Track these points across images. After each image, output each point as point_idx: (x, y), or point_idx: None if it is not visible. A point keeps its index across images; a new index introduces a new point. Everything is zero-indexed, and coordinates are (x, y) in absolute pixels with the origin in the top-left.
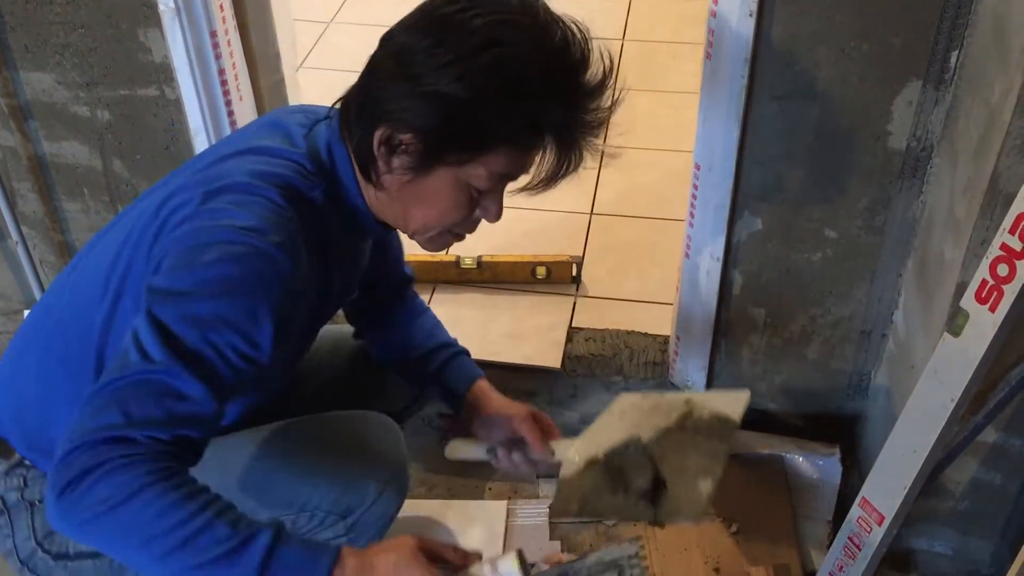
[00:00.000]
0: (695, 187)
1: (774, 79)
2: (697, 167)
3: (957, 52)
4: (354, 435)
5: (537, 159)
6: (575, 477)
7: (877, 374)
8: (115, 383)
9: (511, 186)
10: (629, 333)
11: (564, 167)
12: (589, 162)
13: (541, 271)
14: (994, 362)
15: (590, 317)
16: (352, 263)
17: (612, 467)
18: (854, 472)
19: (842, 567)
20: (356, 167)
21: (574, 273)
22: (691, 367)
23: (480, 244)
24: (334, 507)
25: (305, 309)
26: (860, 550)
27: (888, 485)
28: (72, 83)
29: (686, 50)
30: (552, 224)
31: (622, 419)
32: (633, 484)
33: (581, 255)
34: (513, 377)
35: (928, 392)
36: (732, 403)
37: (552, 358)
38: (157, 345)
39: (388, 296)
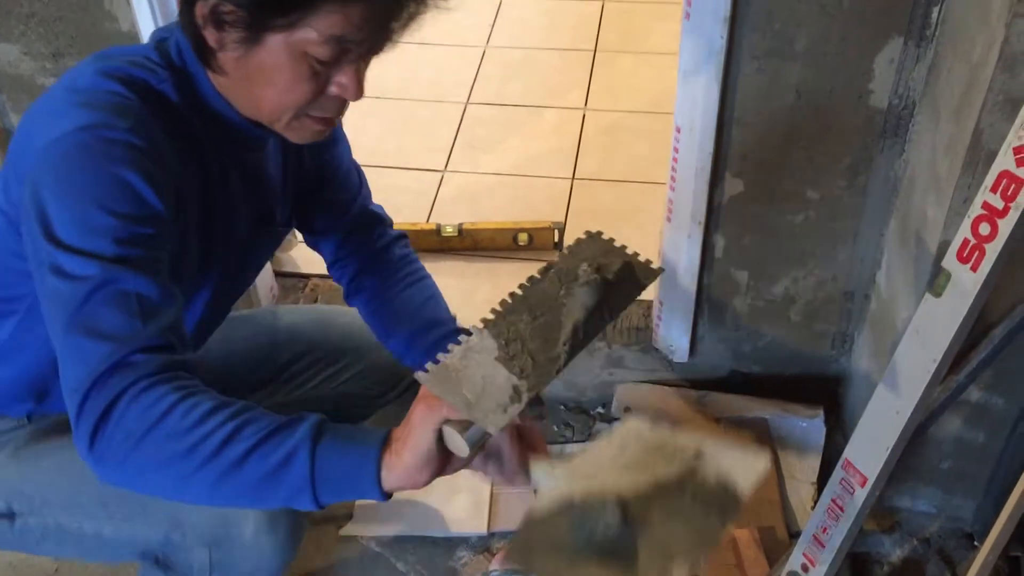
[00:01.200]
0: (676, 150)
1: (753, 38)
2: (678, 130)
3: (938, 7)
4: None
5: (369, 13)
6: (539, 522)
7: (860, 335)
8: (71, 320)
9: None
10: None
11: (399, 10)
12: (571, 125)
13: (523, 237)
14: (976, 321)
15: None
16: (254, 178)
17: (582, 524)
18: (838, 433)
19: (826, 529)
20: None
21: (556, 239)
22: (674, 331)
23: (461, 211)
24: (205, 532)
25: (195, 204)
26: (843, 511)
27: (871, 447)
28: (38, 54)
29: (668, 10)
30: (533, 190)
31: (619, 454)
32: (601, 550)
33: (563, 221)
34: None
35: (910, 353)
36: (746, 469)
37: None
38: (77, 263)
39: (357, 242)
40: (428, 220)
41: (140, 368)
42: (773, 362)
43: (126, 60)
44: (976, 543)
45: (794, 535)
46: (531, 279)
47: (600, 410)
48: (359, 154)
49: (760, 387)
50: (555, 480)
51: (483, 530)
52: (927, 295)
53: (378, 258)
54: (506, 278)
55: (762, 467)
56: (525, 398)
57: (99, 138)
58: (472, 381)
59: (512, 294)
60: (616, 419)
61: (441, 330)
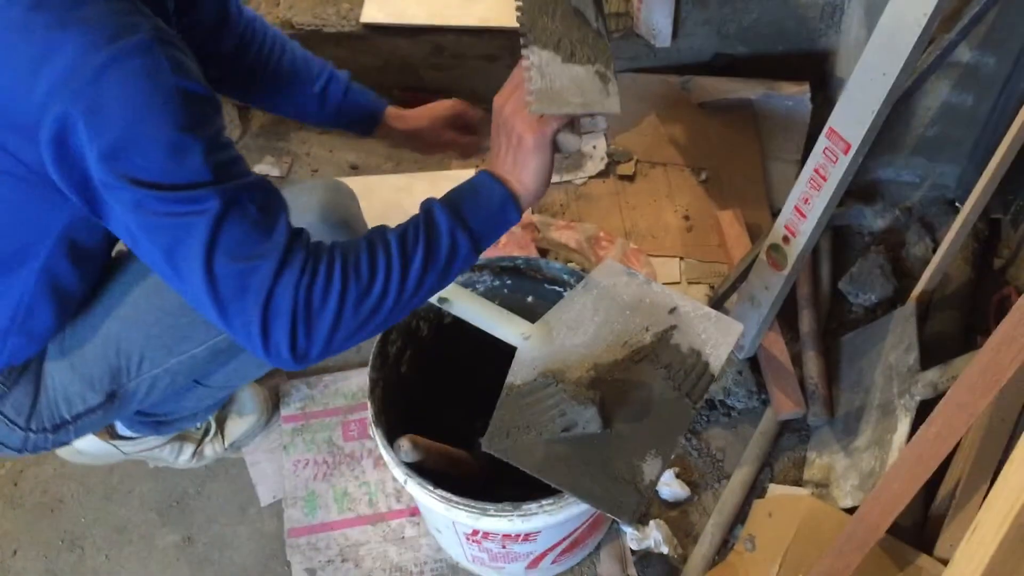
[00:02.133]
0: None
1: None
2: None
3: None
4: None
5: None
6: (519, 398)
7: (850, 5)
8: (208, 256)
9: None
10: None
11: None
12: None
13: None
14: None
15: None
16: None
17: (561, 415)
18: (824, 110)
19: (808, 199)
20: None
21: None
22: (656, 14)
23: None
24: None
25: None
26: (826, 181)
27: (855, 112)
28: None
29: None
30: None
31: (595, 313)
32: (577, 443)
33: None
34: (471, 43)
35: (900, 9)
36: (720, 334)
37: (509, 17)
38: (184, 199)
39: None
40: None
41: (294, 265)
42: (759, 41)
43: None
44: (958, 206)
45: (776, 214)
46: None
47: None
48: None
49: (745, 69)
50: (532, 346)
51: None
52: None
53: (255, 66)
54: None
55: (737, 331)
56: (611, 75)
57: (129, 57)
58: (568, 88)
59: (517, 8)
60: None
61: (324, 77)
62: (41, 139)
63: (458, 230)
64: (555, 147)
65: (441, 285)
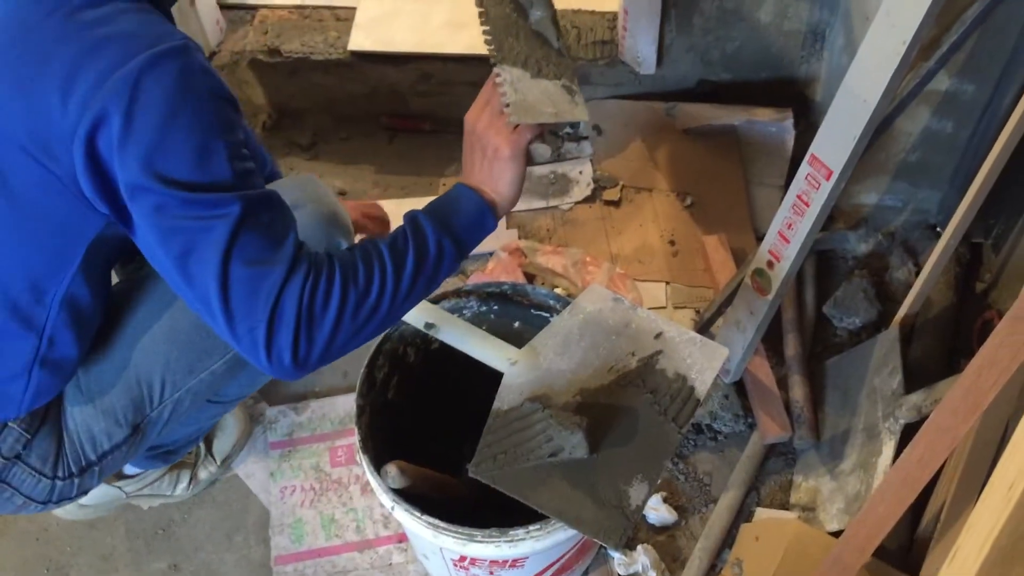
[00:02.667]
0: None
1: None
2: None
3: None
4: None
5: None
6: (506, 422)
7: (832, 33)
8: (223, 257)
9: None
10: (576, 12)
11: None
12: None
13: None
14: (948, 4)
15: None
16: None
17: (548, 441)
18: (807, 136)
19: (791, 225)
20: None
21: None
22: (640, 42)
23: None
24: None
25: None
26: (808, 206)
27: (837, 139)
28: None
29: None
30: None
31: (581, 338)
32: (564, 468)
33: None
34: (457, 70)
35: (879, 37)
36: (705, 359)
37: None
38: (208, 201)
39: None
40: None
41: (299, 273)
42: (742, 68)
43: None
44: (939, 231)
45: (761, 239)
46: (481, 15)
47: (568, 130)
48: None
49: (729, 95)
50: (519, 371)
51: None
52: None
53: None
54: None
55: (723, 355)
56: (576, 88)
57: (166, 59)
58: (540, 100)
59: (484, 32)
60: (585, 138)
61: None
62: (75, 143)
63: (444, 238)
64: (528, 157)
65: (430, 290)
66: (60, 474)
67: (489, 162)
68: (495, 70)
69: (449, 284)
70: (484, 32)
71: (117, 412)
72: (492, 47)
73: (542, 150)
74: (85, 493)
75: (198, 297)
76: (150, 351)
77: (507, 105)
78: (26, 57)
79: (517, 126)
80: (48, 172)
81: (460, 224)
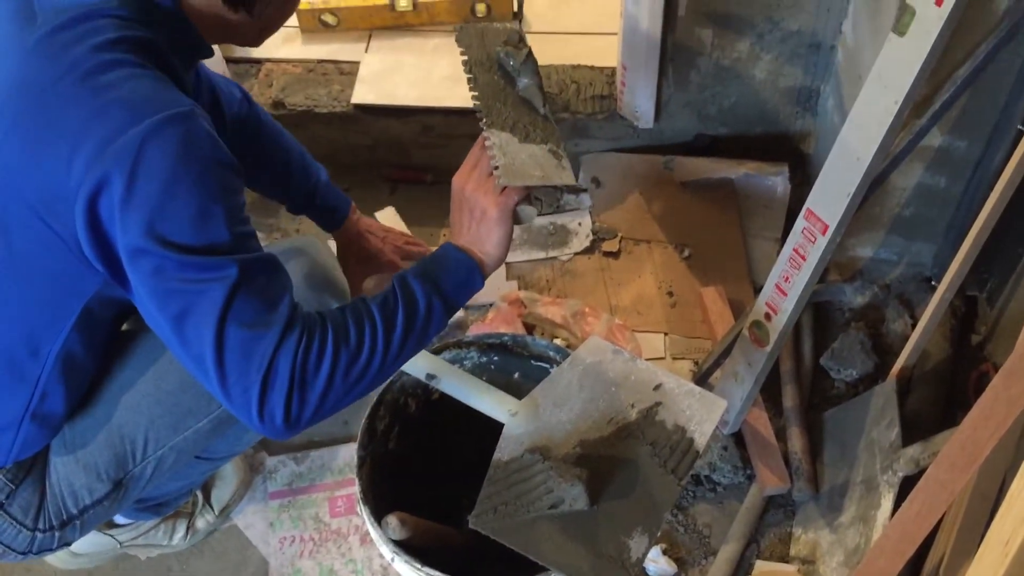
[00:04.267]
0: None
1: None
2: None
3: None
4: None
5: None
6: (506, 474)
7: (826, 89)
8: (219, 320)
9: None
10: (575, 68)
11: None
12: None
13: (481, 8)
14: (939, 64)
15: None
16: None
17: (548, 492)
18: (803, 189)
19: (788, 278)
20: None
21: (515, 8)
22: (639, 97)
23: None
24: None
25: None
26: (805, 260)
27: (832, 194)
28: None
29: None
30: None
31: (580, 390)
32: (563, 520)
33: None
34: (458, 122)
35: (872, 96)
36: (704, 411)
37: None
38: (206, 264)
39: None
40: None
41: (293, 335)
42: (739, 123)
43: (102, 19)
44: (935, 284)
45: (758, 290)
46: (470, 81)
47: (569, 195)
48: None
49: (726, 149)
50: (519, 422)
51: None
52: (891, 35)
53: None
54: None
55: (721, 408)
56: (562, 153)
57: (170, 125)
58: (528, 163)
59: (473, 98)
60: (584, 190)
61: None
62: (77, 205)
63: (433, 296)
64: (515, 218)
65: (419, 348)
66: (41, 526)
67: (477, 223)
68: (484, 134)
69: (450, 335)
70: (473, 98)
71: (99, 467)
72: (481, 111)
73: (529, 212)
74: (67, 545)
75: (192, 357)
76: (134, 408)
77: (496, 168)
78: (39, 118)
79: (504, 189)
80: (50, 230)
81: (449, 284)
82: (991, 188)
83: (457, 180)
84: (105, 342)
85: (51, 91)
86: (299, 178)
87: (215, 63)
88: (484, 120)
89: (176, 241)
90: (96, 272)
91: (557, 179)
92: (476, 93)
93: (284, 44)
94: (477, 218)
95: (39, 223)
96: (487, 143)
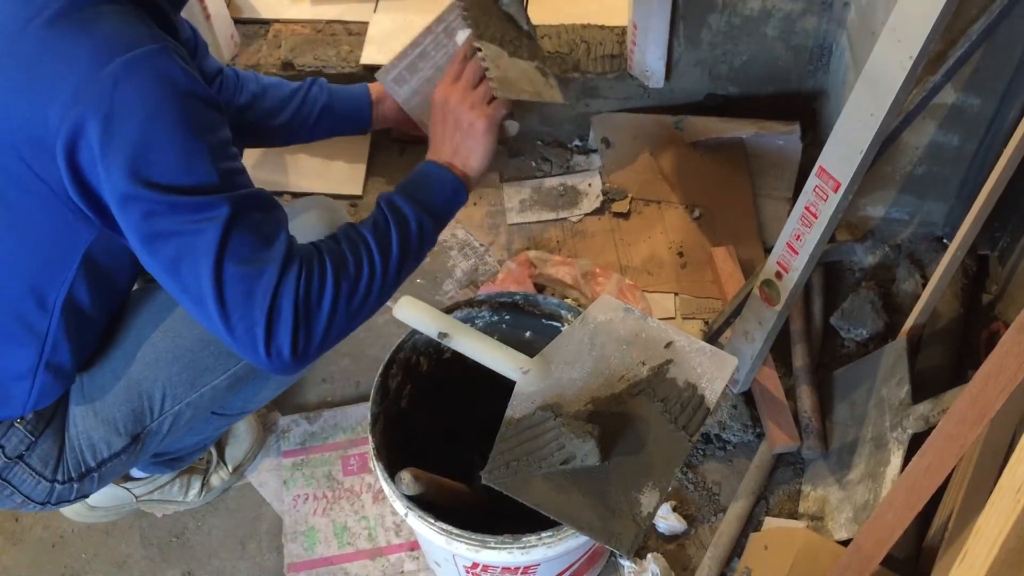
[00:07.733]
0: None
1: None
2: None
3: None
4: None
5: None
6: (518, 431)
7: (838, 47)
8: (217, 259)
9: None
10: (585, 27)
11: None
12: None
13: None
14: (954, 19)
15: (543, 12)
16: None
17: (560, 448)
18: (814, 148)
19: (799, 236)
20: None
21: None
22: (649, 56)
23: None
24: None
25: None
26: (816, 218)
27: (845, 151)
28: None
29: None
30: None
31: (591, 348)
32: (575, 475)
33: None
34: None
35: (886, 52)
36: (715, 369)
37: None
38: (195, 204)
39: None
40: None
41: (293, 270)
42: (750, 82)
43: None
44: (946, 243)
45: (769, 250)
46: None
47: (577, 143)
48: None
49: (737, 108)
50: (531, 380)
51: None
52: None
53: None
54: None
55: (732, 365)
56: (548, 71)
57: (142, 63)
58: (519, 78)
59: (461, 8)
60: (594, 151)
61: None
62: (57, 154)
63: (424, 216)
64: (500, 131)
65: (414, 267)
66: (60, 478)
67: (463, 135)
68: (475, 45)
69: (461, 294)
70: (461, 8)
71: (117, 421)
72: (470, 23)
73: (513, 125)
74: (85, 497)
75: (193, 300)
76: (152, 363)
77: (490, 80)
78: (13, 63)
79: (491, 101)
80: (39, 179)
81: (437, 202)
82: (1004, 146)
83: (440, 92)
84: (113, 294)
85: (21, 35)
86: (311, 100)
87: (223, 23)
88: (473, 31)
89: (162, 182)
90: (89, 220)
91: (547, 96)
92: (464, 3)
93: (293, 5)
94: (464, 131)
95: (29, 172)
96: (480, 54)
